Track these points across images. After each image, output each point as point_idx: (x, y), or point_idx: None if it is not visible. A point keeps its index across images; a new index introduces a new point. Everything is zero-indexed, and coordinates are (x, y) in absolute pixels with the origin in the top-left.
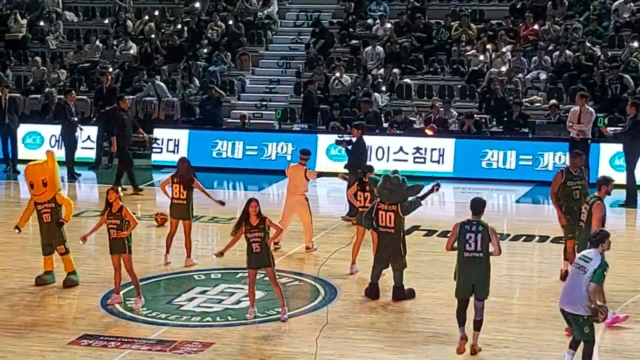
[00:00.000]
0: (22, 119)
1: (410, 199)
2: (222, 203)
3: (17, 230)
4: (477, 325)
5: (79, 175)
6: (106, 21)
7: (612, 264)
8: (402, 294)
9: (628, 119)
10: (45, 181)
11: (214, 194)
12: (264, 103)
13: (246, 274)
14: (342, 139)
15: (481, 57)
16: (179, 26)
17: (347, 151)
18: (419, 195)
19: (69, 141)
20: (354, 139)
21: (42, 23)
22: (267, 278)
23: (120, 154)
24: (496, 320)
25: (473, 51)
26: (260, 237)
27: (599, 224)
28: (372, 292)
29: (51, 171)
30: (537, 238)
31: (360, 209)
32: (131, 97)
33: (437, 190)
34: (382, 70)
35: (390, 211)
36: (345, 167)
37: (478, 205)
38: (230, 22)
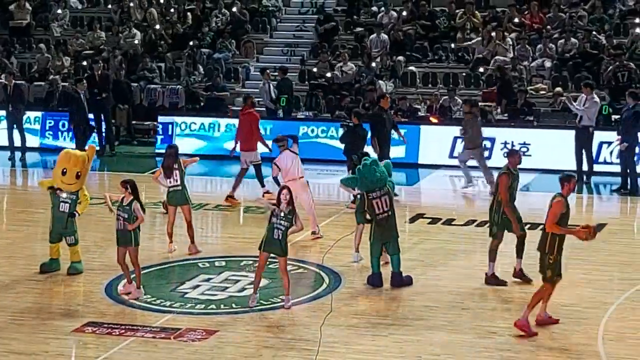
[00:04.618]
0: (26, 107)
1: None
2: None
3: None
4: None
5: None
6: (109, 6)
7: (614, 253)
8: (400, 280)
9: (627, 107)
10: (79, 174)
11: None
12: None
13: (250, 262)
14: (346, 123)
15: (474, 43)
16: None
17: (340, 137)
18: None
19: (76, 131)
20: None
21: (47, 14)
22: (272, 266)
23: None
24: (500, 307)
25: (475, 40)
26: (285, 226)
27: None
28: (376, 280)
29: (88, 165)
30: (541, 226)
31: (358, 195)
32: (135, 84)
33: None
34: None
35: (384, 195)
36: (344, 153)
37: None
38: (235, 9)
